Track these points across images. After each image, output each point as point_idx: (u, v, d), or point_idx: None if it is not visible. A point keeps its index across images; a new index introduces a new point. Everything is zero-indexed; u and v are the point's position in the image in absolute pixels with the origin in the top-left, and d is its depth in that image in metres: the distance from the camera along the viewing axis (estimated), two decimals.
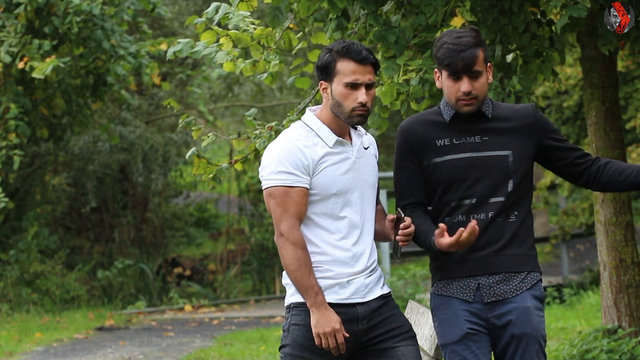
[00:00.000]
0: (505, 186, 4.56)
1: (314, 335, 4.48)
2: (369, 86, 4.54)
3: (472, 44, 4.52)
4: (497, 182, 4.56)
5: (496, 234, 4.56)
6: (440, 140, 4.60)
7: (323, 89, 4.58)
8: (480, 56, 4.53)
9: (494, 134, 4.58)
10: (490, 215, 4.56)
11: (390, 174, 18.26)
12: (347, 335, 4.50)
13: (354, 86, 4.51)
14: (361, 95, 4.51)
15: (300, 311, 4.54)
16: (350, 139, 4.62)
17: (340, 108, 4.54)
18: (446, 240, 4.44)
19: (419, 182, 4.65)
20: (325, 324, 4.46)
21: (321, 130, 4.57)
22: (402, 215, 4.53)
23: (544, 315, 4.65)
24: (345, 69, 4.51)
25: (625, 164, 4.64)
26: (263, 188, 4.56)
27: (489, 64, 4.62)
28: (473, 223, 4.40)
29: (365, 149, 4.67)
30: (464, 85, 4.53)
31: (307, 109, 4.69)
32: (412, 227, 4.51)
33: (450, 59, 4.51)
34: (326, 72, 4.55)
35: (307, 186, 4.52)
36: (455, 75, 4.54)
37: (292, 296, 4.58)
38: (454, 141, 4.59)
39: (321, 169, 4.53)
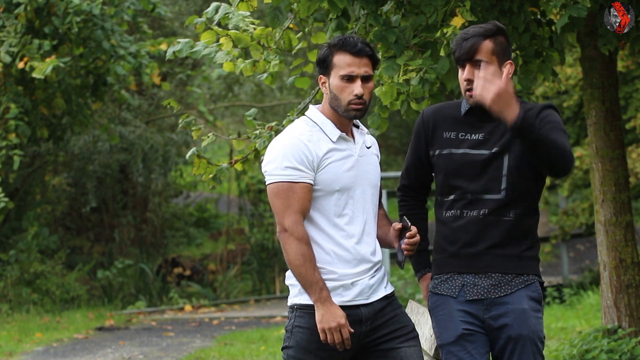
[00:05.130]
0: (499, 185, 4.56)
1: (319, 330, 4.46)
2: (365, 79, 4.54)
3: (478, 33, 4.55)
4: (491, 181, 4.56)
5: (487, 233, 4.56)
6: (447, 133, 4.65)
7: (322, 83, 4.60)
8: (485, 47, 4.54)
9: (497, 133, 4.59)
10: (482, 212, 4.56)
11: (390, 174, 18.36)
12: (352, 330, 4.50)
13: (349, 79, 4.52)
14: (357, 88, 4.51)
15: (305, 313, 4.52)
16: (353, 136, 4.63)
17: (337, 101, 4.55)
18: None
19: (421, 168, 4.74)
20: (330, 319, 4.45)
21: (325, 124, 4.57)
22: (409, 224, 4.54)
23: (542, 316, 4.65)
24: (341, 61, 4.52)
25: None
26: (267, 183, 4.55)
27: (508, 60, 4.58)
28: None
29: (368, 148, 4.67)
30: (465, 72, 4.56)
31: (310, 105, 4.71)
32: (418, 237, 4.55)
33: (455, 47, 4.59)
34: (324, 65, 4.56)
35: (312, 182, 4.51)
36: (460, 64, 4.59)
37: (296, 297, 4.56)
38: (459, 136, 4.63)
39: (325, 165, 4.52)
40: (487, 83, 4.36)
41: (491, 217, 4.56)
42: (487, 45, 4.55)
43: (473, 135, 4.61)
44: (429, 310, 4.73)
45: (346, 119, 4.58)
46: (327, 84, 4.58)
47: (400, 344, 4.58)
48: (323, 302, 4.45)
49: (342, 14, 6.38)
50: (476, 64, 4.55)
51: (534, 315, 4.59)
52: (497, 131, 4.59)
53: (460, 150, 4.60)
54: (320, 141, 4.54)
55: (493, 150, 4.57)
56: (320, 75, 4.60)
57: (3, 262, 15.70)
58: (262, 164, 4.61)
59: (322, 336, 4.46)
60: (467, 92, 4.59)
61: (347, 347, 4.48)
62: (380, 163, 4.75)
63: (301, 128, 4.58)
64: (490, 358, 4.65)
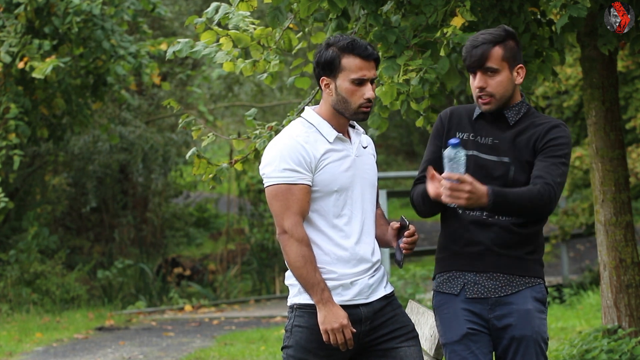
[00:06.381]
0: None
1: (321, 331, 4.46)
2: (372, 81, 4.55)
3: (488, 40, 4.55)
4: (496, 186, 4.56)
5: (490, 232, 4.55)
6: (460, 134, 4.66)
7: (325, 85, 4.56)
8: (495, 54, 4.54)
9: (506, 140, 4.59)
10: (485, 213, 4.56)
11: (390, 174, 18.37)
12: (355, 330, 4.50)
13: (360, 82, 4.51)
14: (368, 91, 4.52)
15: (304, 313, 4.53)
16: (349, 136, 4.63)
17: (347, 104, 4.53)
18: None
19: (436, 166, 4.72)
20: (333, 320, 4.45)
21: (321, 125, 4.57)
22: (407, 223, 4.55)
23: (546, 317, 4.65)
24: (352, 65, 4.50)
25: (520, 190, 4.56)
26: (265, 186, 4.55)
27: (519, 65, 4.60)
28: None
29: (364, 147, 4.67)
30: (476, 80, 4.57)
31: (306, 107, 4.70)
32: (416, 236, 4.56)
33: (465, 55, 4.60)
34: (330, 68, 4.52)
35: (310, 183, 4.51)
36: (471, 71, 4.61)
37: (296, 297, 4.57)
38: (470, 138, 4.64)
39: (323, 166, 4.52)
40: (455, 192, 4.38)
41: (494, 218, 4.56)
42: (497, 51, 4.56)
43: (483, 138, 4.62)
44: (434, 309, 4.73)
45: (348, 120, 4.58)
46: (332, 86, 4.55)
47: (399, 344, 4.58)
48: (325, 303, 4.45)
49: (342, 14, 6.38)
50: (487, 71, 4.56)
51: (538, 316, 4.58)
52: (506, 138, 4.60)
53: (470, 152, 4.61)
54: (317, 142, 4.54)
55: (501, 158, 4.57)
56: (324, 77, 4.56)
57: (3, 262, 15.70)
58: (260, 167, 4.60)
59: (324, 337, 4.46)
60: (479, 100, 4.60)
61: (349, 348, 4.48)
62: (379, 163, 4.76)
63: (297, 130, 4.57)
64: (494, 358, 4.65)
